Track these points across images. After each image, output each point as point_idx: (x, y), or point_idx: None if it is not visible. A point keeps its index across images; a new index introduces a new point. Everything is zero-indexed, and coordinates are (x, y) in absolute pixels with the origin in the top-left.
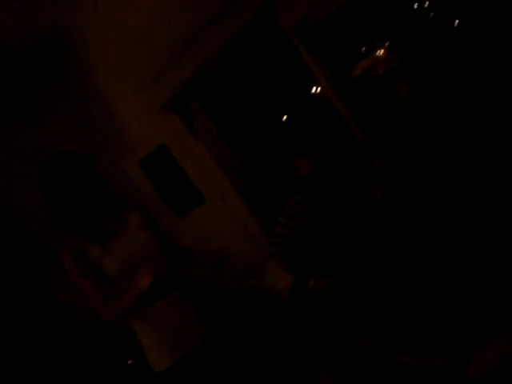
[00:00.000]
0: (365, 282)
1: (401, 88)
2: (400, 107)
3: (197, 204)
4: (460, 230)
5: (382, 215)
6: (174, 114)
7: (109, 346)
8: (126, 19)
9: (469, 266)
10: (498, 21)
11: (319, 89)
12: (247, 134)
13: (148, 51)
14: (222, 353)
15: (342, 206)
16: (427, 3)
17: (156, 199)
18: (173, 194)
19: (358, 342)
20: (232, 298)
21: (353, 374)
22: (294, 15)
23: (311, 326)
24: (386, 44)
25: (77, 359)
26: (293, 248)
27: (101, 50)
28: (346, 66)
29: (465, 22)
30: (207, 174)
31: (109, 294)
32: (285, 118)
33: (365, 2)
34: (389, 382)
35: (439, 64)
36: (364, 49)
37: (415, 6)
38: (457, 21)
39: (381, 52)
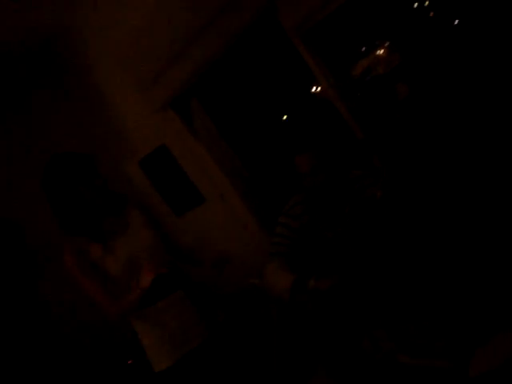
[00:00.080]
0: (365, 282)
1: (401, 88)
2: (400, 107)
3: (197, 204)
4: (460, 229)
5: (382, 215)
6: (174, 114)
7: (109, 346)
8: (126, 19)
9: (469, 266)
10: (497, 20)
11: (319, 88)
12: (247, 134)
13: (148, 51)
14: (222, 353)
15: (342, 206)
16: (427, 2)
17: (156, 199)
18: (173, 194)
19: (358, 342)
20: (232, 298)
21: (353, 374)
22: (294, 14)
23: (311, 325)
24: (386, 44)
25: (76, 359)
26: (293, 248)
27: (100, 50)
28: (346, 65)
29: (465, 21)
30: (207, 173)
31: (112, 293)
32: (285, 117)
33: (365, 2)
34: (389, 382)
35: (439, 63)
36: (364, 48)
37: (415, 5)
38: (457, 20)
39: (381, 51)
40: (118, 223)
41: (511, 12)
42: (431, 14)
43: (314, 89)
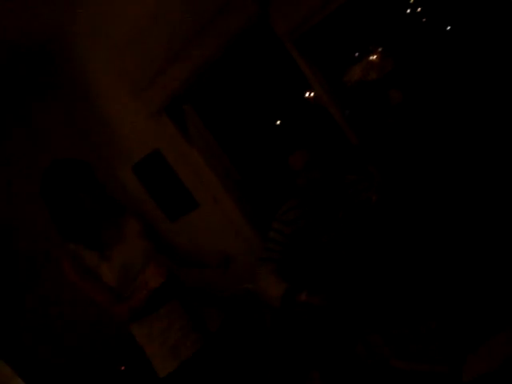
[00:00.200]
0: (358, 289)
1: (394, 94)
2: (393, 112)
3: (191, 209)
4: (453, 236)
5: (376, 220)
6: (167, 119)
7: (100, 351)
8: (121, 25)
9: (462, 271)
10: (489, 25)
11: (313, 93)
12: (241, 139)
13: (142, 56)
14: (219, 358)
15: (335, 211)
16: (420, 8)
17: (150, 204)
18: (166, 199)
19: (352, 347)
20: (227, 303)
21: (347, 379)
22: (286, 20)
23: (305, 330)
24: (379, 49)
25: (68, 365)
26: (285, 254)
27: (95, 56)
28: (340, 70)
29: (457, 26)
30: (201, 178)
31: (116, 294)
32: (278, 122)
33: (358, 7)
34: None
35: (432, 69)
36: (357, 54)
37: (408, 11)
38: (449, 26)
39: (374, 57)
40: (115, 231)
41: (503, 17)
42: (424, 19)
43: (307, 94)
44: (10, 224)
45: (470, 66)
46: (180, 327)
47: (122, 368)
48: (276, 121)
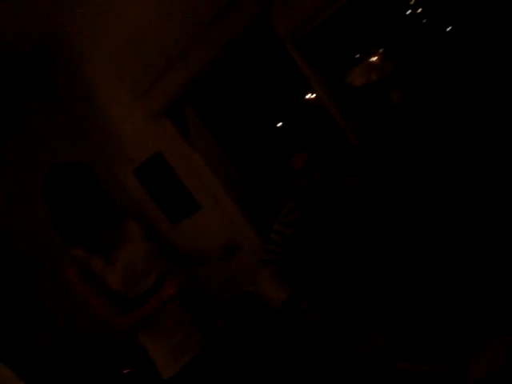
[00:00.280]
0: (360, 291)
1: (394, 95)
2: (394, 114)
3: (192, 211)
4: (456, 237)
5: (378, 221)
6: (168, 122)
7: (103, 355)
8: (121, 26)
9: (466, 271)
10: (490, 26)
11: (314, 95)
12: (242, 141)
13: (142, 58)
14: (222, 359)
15: (337, 212)
16: (420, 9)
17: (151, 207)
18: (168, 202)
19: (355, 349)
20: (228, 305)
21: (350, 381)
22: (287, 22)
23: (308, 332)
24: (380, 50)
25: (71, 368)
26: (286, 256)
27: (95, 58)
28: (341, 72)
29: (457, 27)
30: (202, 180)
31: (117, 305)
32: (280, 123)
33: (358, 9)
34: None
35: (432, 70)
36: (358, 55)
37: (408, 12)
38: (449, 27)
39: (375, 58)
40: (118, 235)
41: (503, 18)
42: (424, 20)
43: (308, 95)
44: (11, 227)
45: (471, 67)
46: (184, 327)
47: (126, 371)
48: (277, 122)
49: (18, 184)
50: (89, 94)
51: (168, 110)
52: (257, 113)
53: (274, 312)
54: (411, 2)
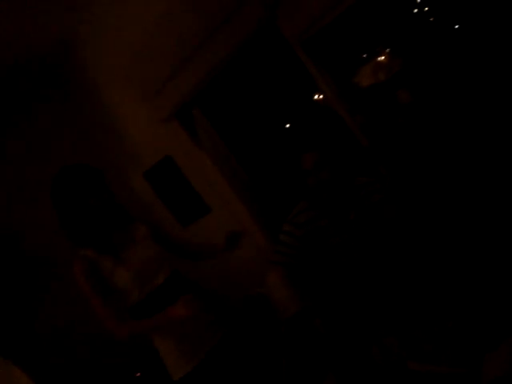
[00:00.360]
0: (370, 291)
1: (402, 94)
2: (402, 113)
3: (202, 214)
4: (467, 235)
5: (388, 221)
6: (177, 124)
7: (116, 358)
8: (130, 31)
9: (477, 272)
10: (497, 23)
11: (321, 96)
12: (251, 142)
13: (151, 63)
14: (235, 356)
15: (347, 213)
16: (427, 8)
17: (161, 210)
18: (178, 205)
19: (367, 350)
20: (238, 306)
21: (362, 382)
22: (294, 23)
23: (319, 333)
24: (387, 50)
25: (83, 371)
26: (297, 257)
27: (105, 63)
28: (348, 72)
29: (465, 25)
30: (212, 183)
31: (120, 313)
32: (288, 124)
33: (365, 9)
34: None
35: (440, 68)
36: (365, 55)
37: (415, 10)
38: (457, 25)
39: (382, 58)
40: (127, 237)
41: (511, 15)
42: (431, 19)
43: (316, 96)
44: (19, 229)
45: (479, 65)
46: (195, 328)
47: (138, 374)
48: (285, 123)
49: (26, 185)
50: (98, 98)
51: (177, 114)
52: (265, 114)
53: (285, 320)
54: (418, 1)
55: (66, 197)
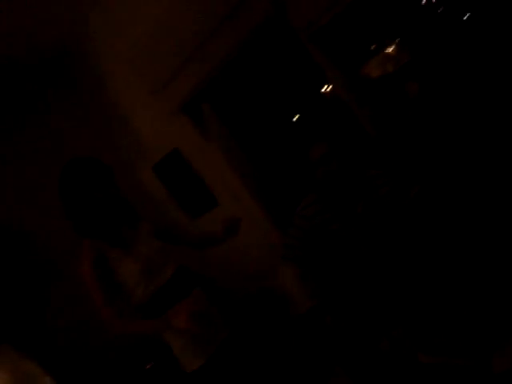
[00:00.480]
0: (378, 283)
1: (411, 86)
2: (411, 105)
3: (211, 207)
4: (478, 229)
5: (396, 214)
6: (186, 118)
7: (125, 350)
8: (137, 25)
9: (486, 264)
10: (508, 13)
11: (330, 88)
12: (259, 136)
13: (159, 56)
14: (243, 350)
15: (355, 205)
16: None
17: (170, 203)
18: (187, 198)
19: (377, 343)
20: (247, 299)
21: (372, 374)
22: (303, 14)
23: (330, 330)
24: (396, 41)
25: (95, 363)
26: (307, 250)
27: (113, 58)
28: (357, 64)
29: (474, 15)
30: (220, 176)
31: (124, 310)
32: (296, 116)
33: (373, 0)
34: (409, 382)
35: (449, 59)
36: (374, 47)
37: (423, 1)
38: (467, 15)
39: (390, 49)
40: (133, 232)
41: None
42: (440, 9)
43: (324, 88)
44: (28, 224)
45: (489, 56)
46: (207, 322)
47: (149, 366)
48: (294, 115)
49: (35, 181)
50: (107, 93)
51: (185, 107)
52: (273, 107)
53: (297, 316)
54: None
55: (72, 189)
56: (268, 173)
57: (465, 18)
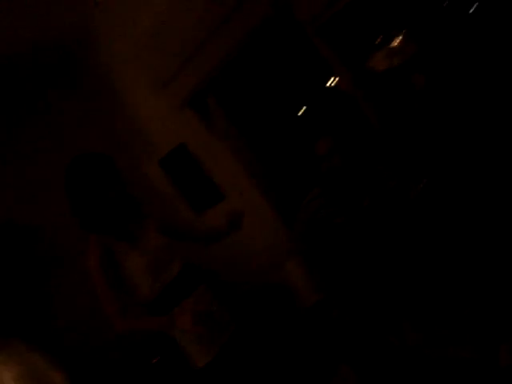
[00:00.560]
0: (384, 277)
1: (417, 79)
2: (418, 97)
3: (217, 201)
4: (485, 224)
5: (401, 208)
6: (192, 112)
7: (131, 344)
8: (141, 20)
9: (494, 258)
10: None
11: (336, 81)
12: (265, 129)
13: (165, 50)
14: (249, 346)
15: (360, 199)
16: None
17: (176, 198)
18: (193, 192)
19: (385, 337)
20: (253, 294)
21: (380, 370)
22: (309, 7)
23: (336, 321)
24: (402, 33)
25: (101, 358)
26: (313, 244)
27: (119, 52)
28: (363, 56)
29: (481, 7)
30: (225, 170)
31: (129, 306)
32: (302, 110)
33: None
34: (416, 375)
35: (456, 51)
36: (380, 39)
37: None
38: (473, 6)
39: (396, 42)
40: (139, 227)
41: None
42: (447, 0)
43: (330, 81)
44: (28, 224)
45: (496, 48)
46: (214, 318)
47: (155, 360)
48: (299, 109)
49: (41, 177)
50: (112, 87)
51: (191, 101)
52: (279, 101)
53: (304, 309)
54: None
55: (77, 184)
56: (271, 165)
57: (472, 9)
